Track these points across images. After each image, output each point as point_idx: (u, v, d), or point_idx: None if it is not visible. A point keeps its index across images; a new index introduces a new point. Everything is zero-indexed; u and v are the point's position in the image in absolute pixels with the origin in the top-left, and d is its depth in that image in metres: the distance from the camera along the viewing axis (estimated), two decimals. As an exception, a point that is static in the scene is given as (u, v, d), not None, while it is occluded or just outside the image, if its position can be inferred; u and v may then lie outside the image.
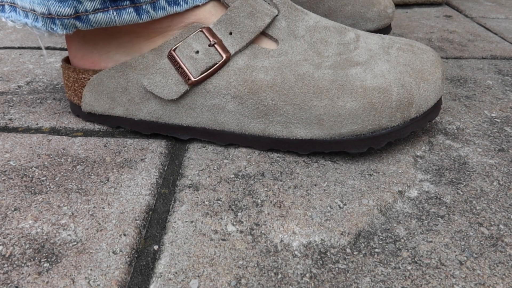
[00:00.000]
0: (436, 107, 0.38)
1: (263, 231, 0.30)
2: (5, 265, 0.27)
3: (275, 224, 0.30)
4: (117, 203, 0.32)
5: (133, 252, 0.28)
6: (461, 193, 0.34)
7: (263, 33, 0.37)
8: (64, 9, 0.33)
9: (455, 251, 0.28)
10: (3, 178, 0.34)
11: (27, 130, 0.41)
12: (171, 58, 0.36)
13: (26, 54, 0.59)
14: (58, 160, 0.36)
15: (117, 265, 0.27)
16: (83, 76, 0.40)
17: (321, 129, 0.36)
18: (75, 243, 0.28)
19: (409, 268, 0.27)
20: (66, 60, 0.43)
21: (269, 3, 0.37)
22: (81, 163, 0.36)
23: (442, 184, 0.35)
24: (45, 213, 0.31)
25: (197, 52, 0.36)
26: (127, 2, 0.34)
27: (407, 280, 0.26)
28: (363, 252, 0.28)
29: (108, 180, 0.34)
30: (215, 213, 0.31)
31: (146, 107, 0.38)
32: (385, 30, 0.61)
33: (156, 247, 0.28)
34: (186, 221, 0.30)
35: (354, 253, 0.28)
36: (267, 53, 0.36)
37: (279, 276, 0.26)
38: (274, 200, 0.32)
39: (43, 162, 0.36)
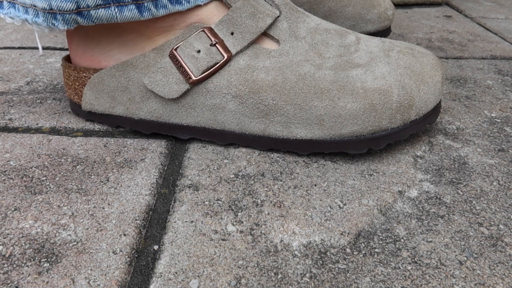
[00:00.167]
0: (435, 110, 0.38)
1: (263, 231, 0.30)
2: (5, 265, 0.27)
3: (275, 224, 0.30)
4: (117, 203, 0.32)
5: (133, 252, 0.28)
6: (461, 193, 0.34)
7: (265, 34, 0.37)
8: (66, 4, 0.33)
9: (455, 251, 0.28)
10: (3, 178, 0.34)
11: (27, 130, 0.41)
12: (173, 57, 0.36)
13: (26, 54, 0.59)
14: (58, 160, 0.36)
15: (117, 265, 0.27)
16: (84, 74, 0.40)
17: (321, 130, 0.36)
18: (75, 243, 0.28)
19: (409, 268, 0.27)
20: (67, 59, 0.43)
21: (271, 4, 0.37)
22: (81, 163, 0.36)
23: (442, 184, 0.35)
24: (45, 213, 0.31)
25: (199, 51, 0.36)
26: None
27: (407, 280, 0.26)
28: (363, 252, 0.28)
29: (108, 180, 0.34)
30: (215, 213, 0.31)
31: (147, 106, 0.38)
32: (385, 32, 0.61)
33: (156, 247, 0.28)
34: (186, 221, 0.30)
35: (354, 253, 0.28)
36: (268, 53, 0.36)
37: (279, 276, 0.26)
38: (274, 200, 0.32)
39: (43, 162, 0.36)
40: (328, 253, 0.28)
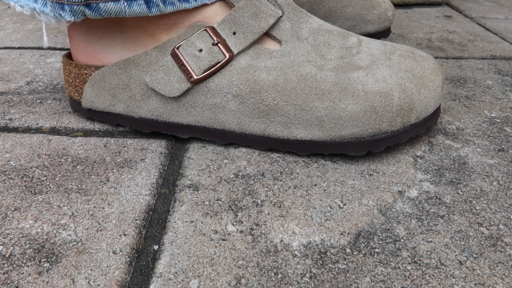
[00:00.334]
0: (435, 114, 0.39)
1: (263, 231, 0.30)
2: (5, 265, 0.27)
3: (275, 224, 0.30)
4: (117, 203, 0.32)
5: (133, 252, 0.28)
6: (461, 193, 0.34)
7: (267, 34, 0.37)
8: None
9: (455, 251, 0.28)
10: (3, 178, 0.34)
11: (27, 130, 0.41)
12: (174, 55, 0.36)
13: (26, 54, 0.59)
14: (58, 160, 0.36)
15: (117, 265, 0.27)
16: (85, 71, 0.40)
17: (321, 131, 0.36)
18: (75, 243, 0.28)
19: (409, 268, 0.27)
20: (68, 56, 0.42)
21: (273, 4, 0.37)
22: (81, 163, 0.36)
23: (442, 184, 0.35)
24: (45, 213, 0.31)
25: (201, 50, 0.36)
26: None
27: (407, 280, 0.26)
28: (363, 252, 0.28)
29: (108, 180, 0.34)
30: (215, 213, 0.31)
31: (147, 105, 0.38)
32: (385, 32, 0.61)
33: (156, 247, 0.28)
34: (186, 221, 0.30)
35: (354, 253, 0.28)
36: (270, 53, 0.36)
37: (279, 276, 0.26)
38: (274, 200, 0.32)
39: (43, 162, 0.36)
40: (328, 253, 0.28)
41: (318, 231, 0.30)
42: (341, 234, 0.30)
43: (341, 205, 0.32)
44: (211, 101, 0.37)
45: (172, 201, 0.32)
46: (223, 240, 0.29)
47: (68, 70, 0.41)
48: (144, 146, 0.39)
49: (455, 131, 0.42)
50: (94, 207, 0.31)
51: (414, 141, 0.40)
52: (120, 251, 0.28)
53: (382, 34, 0.60)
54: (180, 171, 0.36)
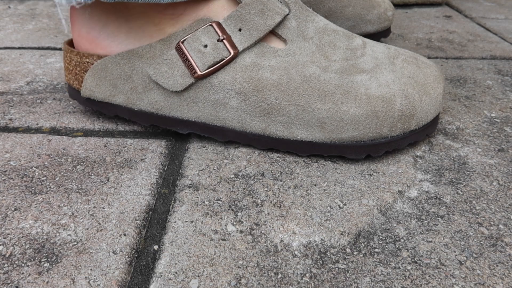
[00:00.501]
0: (434, 122, 0.39)
1: (263, 231, 0.30)
2: (5, 265, 0.27)
3: (275, 224, 0.30)
4: (117, 203, 0.32)
5: (133, 252, 0.28)
6: (461, 193, 0.34)
7: (272, 32, 0.37)
8: None
9: (455, 251, 0.28)
10: (3, 178, 0.34)
11: (27, 130, 0.41)
12: (179, 49, 0.36)
13: (26, 54, 0.59)
14: (58, 160, 0.36)
15: (117, 265, 0.27)
16: (87, 60, 0.39)
17: (322, 132, 0.36)
18: (75, 243, 0.28)
19: (409, 268, 0.27)
20: (69, 44, 0.42)
21: (280, 2, 0.37)
22: (81, 163, 0.36)
23: (442, 184, 0.35)
24: (45, 213, 0.31)
25: (206, 46, 0.36)
26: None
27: (407, 280, 0.26)
28: (363, 252, 0.28)
29: (108, 180, 0.34)
30: (215, 213, 0.31)
31: (148, 97, 0.38)
32: (384, 32, 0.61)
33: (156, 247, 0.28)
34: (186, 221, 0.30)
35: (354, 253, 0.28)
36: (274, 52, 0.36)
37: (279, 276, 0.26)
38: (274, 200, 0.32)
39: (43, 162, 0.36)
40: (328, 253, 0.28)
41: (318, 231, 0.30)
42: (341, 234, 0.30)
43: (341, 205, 0.32)
44: (213, 97, 0.36)
45: (172, 201, 0.32)
46: (223, 240, 0.29)
47: (69, 58, 0.40)
48: (144, 146, 0.39)
49: (455, 131, 0.42)
50: (94, 207, 0.31)
51: (414, 141, 0.40)
52: (120, 251, 0.28)
53: (382, 34, 0.60)
54: (180, 171, 0.36)
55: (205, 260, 0.27)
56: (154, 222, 0.31)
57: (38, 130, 0.41)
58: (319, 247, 0.28)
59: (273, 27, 0.36)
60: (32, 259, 0.27)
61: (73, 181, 0.34)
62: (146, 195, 0.33)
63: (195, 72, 0.36)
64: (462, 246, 0.29)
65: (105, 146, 0.39)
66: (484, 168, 0.37)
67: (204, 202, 0.32)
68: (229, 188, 0.34)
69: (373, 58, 0.37)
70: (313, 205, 0.32)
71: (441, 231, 0.30)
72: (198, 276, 0.26)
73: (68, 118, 0.43)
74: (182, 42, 0.36)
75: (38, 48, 0.62)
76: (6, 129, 0.41)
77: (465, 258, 0.28)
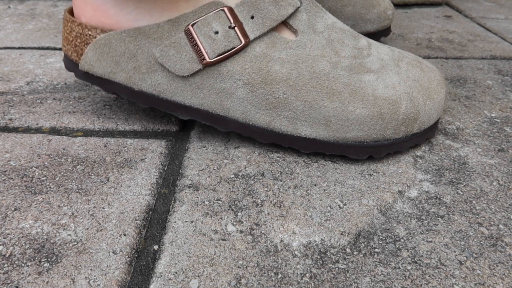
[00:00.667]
0: (434, 126, 0.39)
1: (263, 231, 0.30)
2: (5, 265, 0.27)
3: (275, 224, 0.30)
4: (117, 203, 0.32)
5: (133, 252, 0.28)
6: (461, 193, 0.34)
7: (284, 23, 0.36)
8: None
9: (455, 251, 0.28)
10: (3, 178, 0.34)
11: (27, 130, 0.41)
12: (188, 33, 0.35)
13: (26, 54, 0.59)
14: (58, 160, 0.36)
15: (117, 265, 0.27)
16: (89, 33, 0.37)
17: (326, 131, 0.36)
18: (75, 243, 0.28)
19: (409, 268, 0.27)
20: (70, 12, 0.40)
21: None
22: (81, 163, 0.36)
23: (442, 184, 0.35)
24: (45, 213, 0.31)
25: (217, 32, 0.35)
26: None
27: (407, 280, 0.26)
28: (363, 252, 0.28)
29: (108, 180, 0.34)
30: (215, 213, 0.31)
31: (151, 79, 0.37)
32: (384, 31, 0.61)
33: (156, 247, 0.28)
34: (186, 221, 0.30)
35: (354, 253, 0.28)
36: (285, 43, 0.36)
37: (279, 276, 0.26)
38: (274, 200, 0.32)
39: (43, 162, 0.36)
40: (328, 253, 0.28)
41: (318, 231, 0.30)
42: (341, 234, 0.30)
43: (341, 205, 0.32)
44: (220, 86, 0.36)
45: (172, 201, 0.32)
46: (223, 240, 0.29)
47: (69, 28, 0.38)
48: (144, 146, 0.39)
49: (455, 131, 0.42)
50: (94, 207, 0.31)
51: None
52: (120, 251, 0.28)
53: (382, 33, 0.60)
54: (180, 171, 0.36)
55: (205, 260, 0.27)
56: (154, 222, 0.31)
57: (38, 130, 0.41)
58: (319, 247, 0.28)
59: (286, 17, 0.35)
60: (32, 259, 0.27)
61: (73, 181, 0.34)
62: (146, 195, 0.33)
63: (204, 59, 0.35)
64: (462, 246, 0.29)
65: (105, 146, 0.39)
66: (484, 168, 0.37)
67: (204, 202, 0.32)
68: (229, 188, 0.34)
69: (378, 59, 0.37)
70: (313, 205, 0.32)
71: (441, 231, 0.30)
72: (198, 276, 0.26)
73: (68, 118, 0.43)
74: (192, 26, 0.35)
75: (38, 48, 0.62)
76: (6, 129, 0.41)
77: (465, 258, 0.28)
